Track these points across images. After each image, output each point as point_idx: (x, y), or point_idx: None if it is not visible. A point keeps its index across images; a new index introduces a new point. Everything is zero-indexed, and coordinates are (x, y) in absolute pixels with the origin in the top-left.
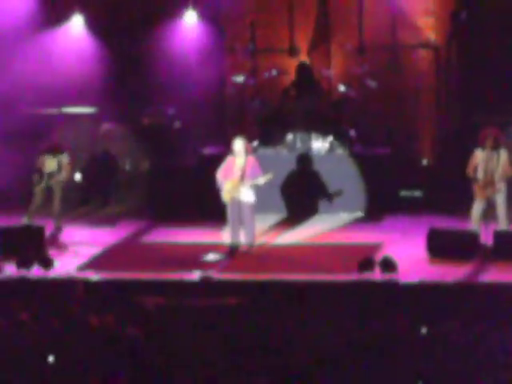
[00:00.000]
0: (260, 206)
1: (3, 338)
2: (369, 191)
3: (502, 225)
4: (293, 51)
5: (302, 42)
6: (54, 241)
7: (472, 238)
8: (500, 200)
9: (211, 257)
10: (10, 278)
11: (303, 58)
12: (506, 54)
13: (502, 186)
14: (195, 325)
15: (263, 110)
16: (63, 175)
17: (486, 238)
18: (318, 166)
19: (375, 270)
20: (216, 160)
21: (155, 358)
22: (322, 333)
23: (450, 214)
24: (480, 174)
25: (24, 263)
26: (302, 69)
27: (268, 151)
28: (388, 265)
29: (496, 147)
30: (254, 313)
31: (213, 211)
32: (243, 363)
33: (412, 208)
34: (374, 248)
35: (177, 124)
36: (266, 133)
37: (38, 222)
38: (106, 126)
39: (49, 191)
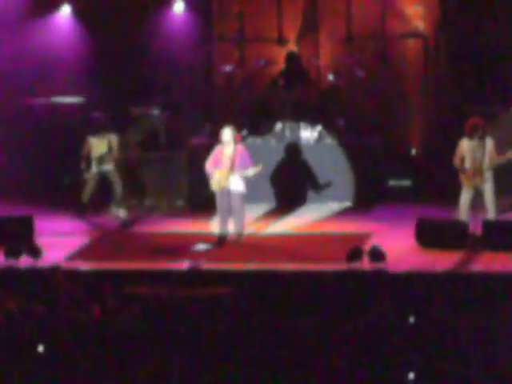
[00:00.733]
0: (249, 196)
1: None
2: (357, 181)
3: (490, 214)
4: (281, 40)
5: (291, 31)
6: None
7: (461, 228)
8: (488, 189)
9: (200, 246)
10: None
11: (292, 47)
12: (495, 44)
13: (489, 175)
14: (184, 314)
15: (252, 100)
16: (115, 156)
17: (475, 228)
18: (307, 156)
19: (364, 260)
20: (205, 150)
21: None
22: (310, 322)
23: (439, 203)
24: (467, 164)
25: (12, 253)
26: (291, 58)
27: (257, 141)
28: (377, 254)
29: (483, 136)
30: (243, 302)
31: (201, 201)
32: (231, 352)
33: (401, 197)
34: (363, 237)
35: (165, 114)
36: (254, 122)
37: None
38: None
39: (101, 177)
